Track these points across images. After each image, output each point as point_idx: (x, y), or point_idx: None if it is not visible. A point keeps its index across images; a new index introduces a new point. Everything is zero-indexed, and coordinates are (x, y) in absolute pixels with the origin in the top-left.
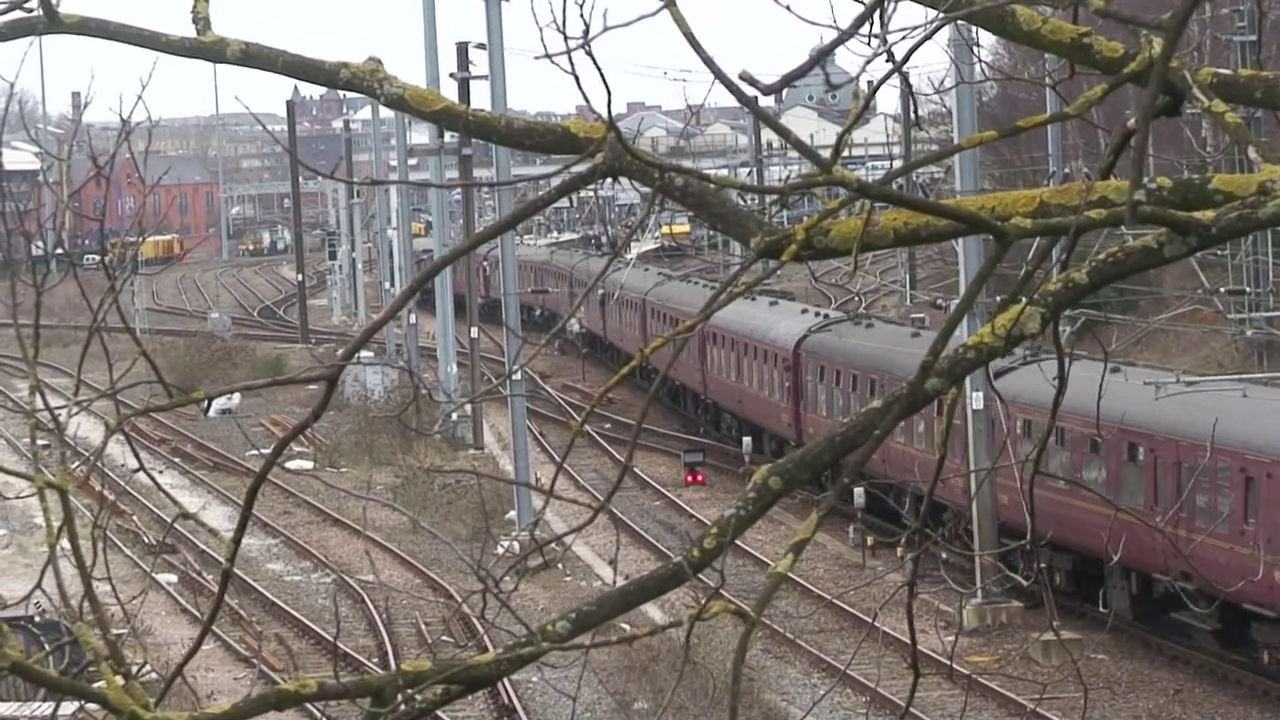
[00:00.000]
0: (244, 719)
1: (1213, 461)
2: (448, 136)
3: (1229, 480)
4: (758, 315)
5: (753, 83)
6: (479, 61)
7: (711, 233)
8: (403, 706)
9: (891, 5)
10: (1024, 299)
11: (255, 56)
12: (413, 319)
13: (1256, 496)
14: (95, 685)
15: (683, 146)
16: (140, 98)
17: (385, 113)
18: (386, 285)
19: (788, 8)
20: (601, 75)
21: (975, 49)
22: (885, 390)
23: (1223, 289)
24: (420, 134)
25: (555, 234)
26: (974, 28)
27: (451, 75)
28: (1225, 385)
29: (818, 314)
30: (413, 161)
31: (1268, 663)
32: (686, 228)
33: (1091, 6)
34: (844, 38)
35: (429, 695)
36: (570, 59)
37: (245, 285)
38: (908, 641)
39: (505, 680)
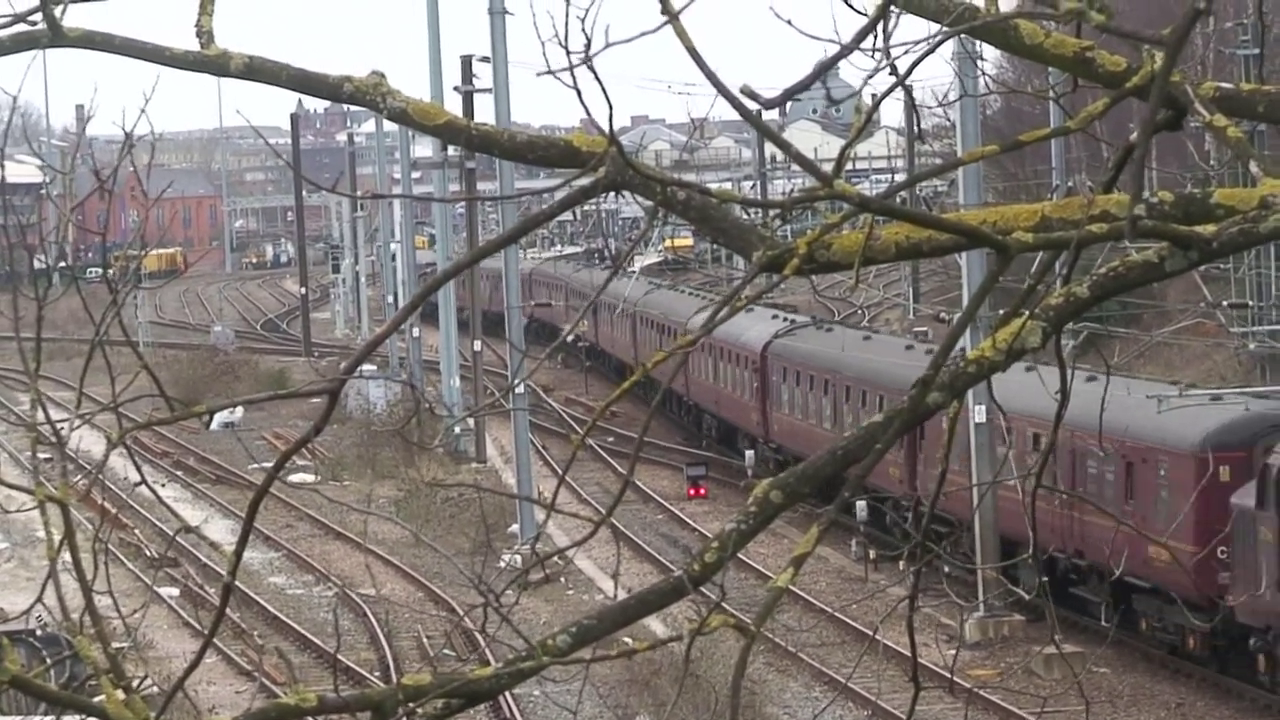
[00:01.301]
0: None
1: (1098, 449)
2: (451, 149)
3: (1113, 466)
4: (733, 320)
5: (754, 97)
6: (483, 75)
7: (714, 246)
8: None
9: (895, 19)
10: (1025, 313)
11: (259, 70)
12: (416, 332)
13: (1134, 481)
14: (96, 699)
15: (686, 160)
16: (144, 111)
17: (389, 126)
18: (389, 298)
19: (789, 22)
20: (603, 90)
21: (979, 62)
22: (836, 389)
23: (1225, 302)
24: (424, 147)
25: (558, 248)
26: (977, 41)
27: (455, 88)
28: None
29: (785, 319)
30: (416, 175)
31: (1144, 629)
32: (689, 241)
33: (1093, 21)
34: (846, 51)
35: (429, 709)
36: (573, 74)
37: (248, 299)
38: (909, 655)
39: (507, 694)
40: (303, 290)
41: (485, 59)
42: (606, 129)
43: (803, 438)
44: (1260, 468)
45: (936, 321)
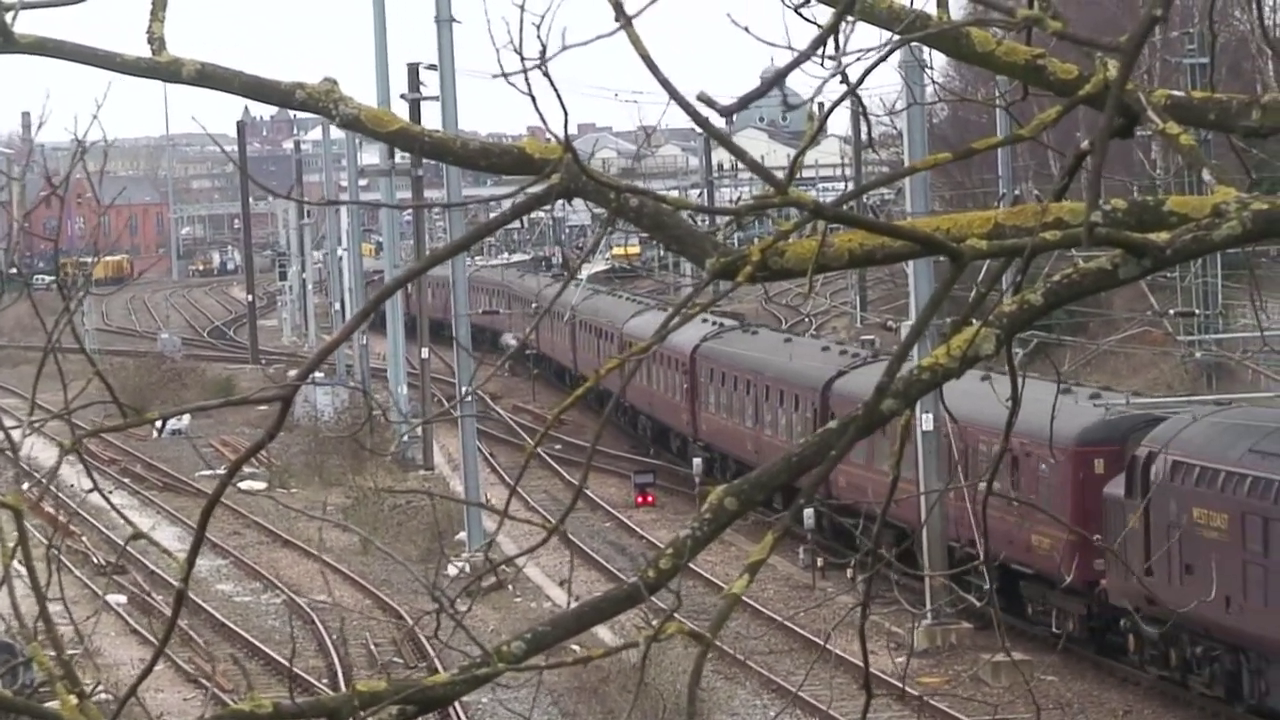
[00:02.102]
0: None
1: (972, 439)
2: (398, 157)
3: (1008, 460)
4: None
5: (710, 104)
6: (430, 82)
7: (663, 254)
8: None
9: (849, 27)
10: (976, 320)
11: (211, 77)
12: (363, 340)
13: (1020, 474)
14: (49, 705)
15: (634, 168)
16: (95, 117)
17: (336, 133)
18: (336, 306)
19: (746, 29)
20: (558, 96)
21: (928, 71)
22: (757, 389)
23: (1172, 311)
24: (371, 155)
25: (506, 255)
26: (926, 49)
27: (402, 96)
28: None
29: (714, 323)
30: (363, 182)
31: (1030, 614)
32: (637, 249)
33: (1049, 28)
34: (802, 59)
35: (384, 716)
36: (526, 79)
37: (195, 306)
38: (858, 663)
39: (457, 701)
40: (250, 297)
41: (432, 67)
42: (560, 135)
43: (728, 436)
44: (1129, 460)
45: (884, 330)
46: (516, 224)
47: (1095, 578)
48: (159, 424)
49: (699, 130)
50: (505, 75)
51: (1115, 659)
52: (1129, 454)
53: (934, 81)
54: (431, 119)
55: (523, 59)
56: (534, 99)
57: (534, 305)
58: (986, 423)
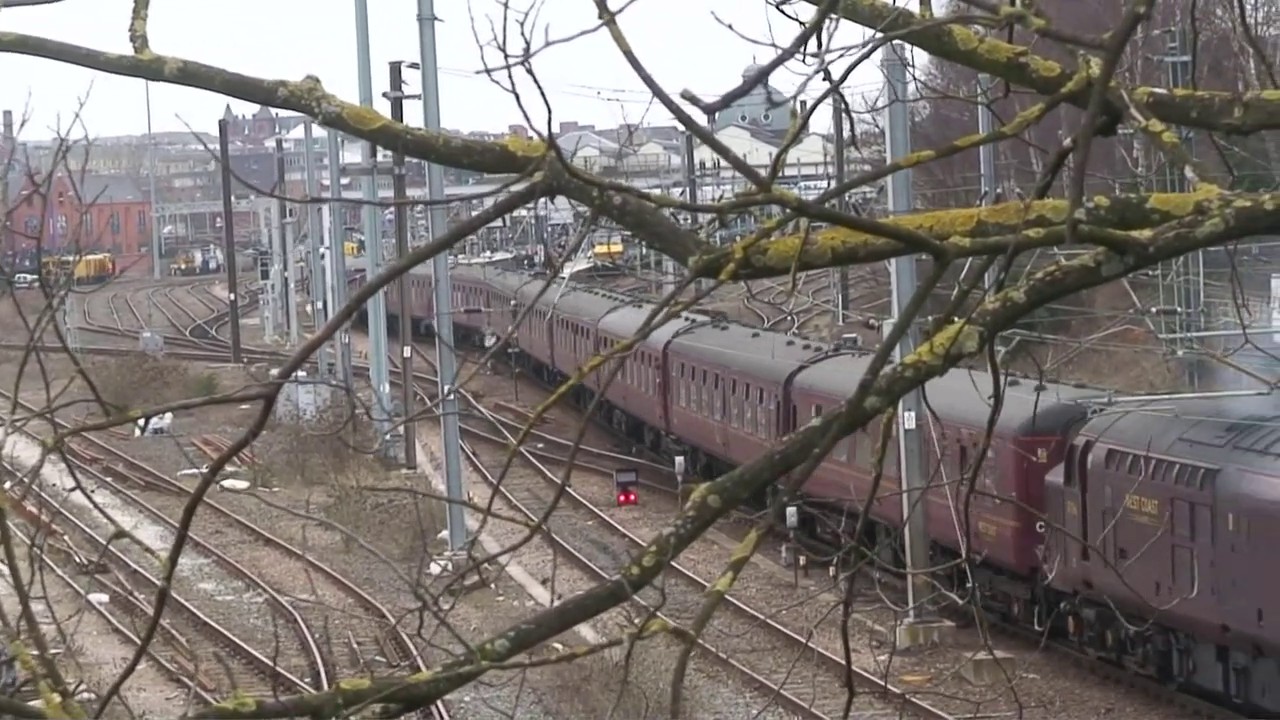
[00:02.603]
0: None
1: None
2: (380, 155)
3: (949, 450)
4: (639, 320)
5: (694, 101)
6: (412, 81)
7: (645, 252)
8: None
9: (833, 24)
10: (957, 318)
11: (193, 75)
12: (345, 338)
13: (966, 462)
14: (32, 704)
15: (616, 166)
16: (78, 116)
17: (318, 132)
18: (318, 304)
19: (730, 26)
20: (542, 93)
21: (910, 69)
22: (725, 383)
23: (1154, 309)
24: (353, 153)
25: (488, 254)
26: (909, 47)
27: (384, 95)
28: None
29: (687, 319)
30: (345, 181)
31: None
32: (619, 247)
33: (1032, 25)
34: (785, 56)
35: (368, 714)
36: (510, 76)
37: (177, 304)
38: (841, 661)
39: (438, 700)
40: (231, 296)
41: (414, 65)
42: (544, 132)
43: (698, 430)
44: (1068, 449)
45: (865, 328)
46: (498, 222)
47: (1038, 563)
48: (141, 422)
49: (681, 129)
50: (488, 72)
51: (1057, 640)
52: (1069, 443)
53: (916, 79)
54: (413, 117)
55: (506, 56)
56: (517, 96)
57: (513, 303)
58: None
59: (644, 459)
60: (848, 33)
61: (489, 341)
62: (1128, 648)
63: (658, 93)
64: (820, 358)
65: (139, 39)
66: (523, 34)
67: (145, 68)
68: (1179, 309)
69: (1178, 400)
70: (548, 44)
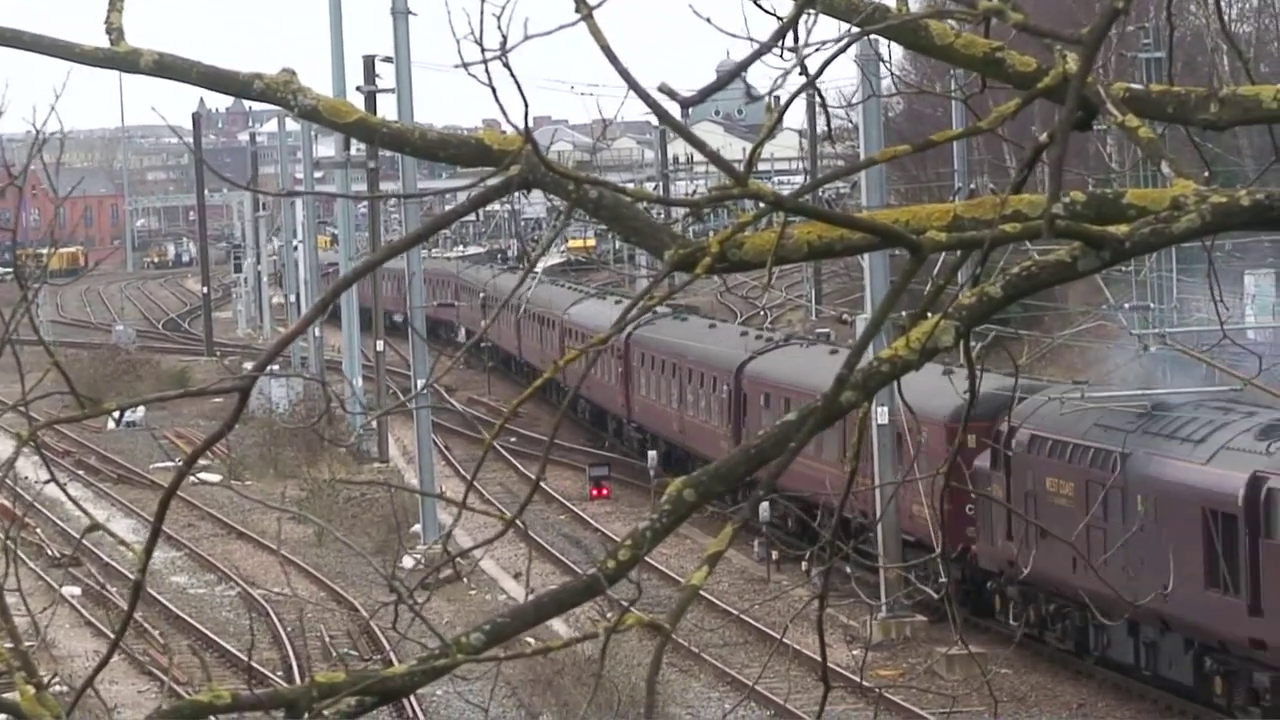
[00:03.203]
0: None
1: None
2: (354, 149)
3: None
4: (603, 312)
5: (671, 95)
6: (385, 75)
7: (618, 246)
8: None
9: (811, 19)
10: (931, 312)
11: (169, 67)
12: (318, 332)
13: (901, 448)
14: (6, 696)
15: (590, 161)
16: (54, 108)
17: (291, 125)
18: (291, 298)
19: (709, 20)
20: (519, 87)
21: (887, 64)
22: (681, 373)
23: (1127, 304)
24: (326, 147)
25: (461, 248)
26: (884, 42)
27: (358, 88)
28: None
29: (651, 312)
30: (319, 174)
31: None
32: (592, 241)
33: (1010, 20)
34: (764, 50)
35: (343, 707)
36: (487, 70)
37: (150, 298)
38: (813, 655)
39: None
40: (205, 290)
41: (388, 59)
42: (520, 126)
43: (657, 417)
44: (994, 434)
45: (839, 323)
46: (471, 216)
47: (967, 543)
48: (116, 415)
49: (655, 123)
50: (465, 66)
51: (984, 618)
52: (995, 429)
53: (893, 73)
54: (387, 111)
55: (483, 50)
56: (494, 90)
57: (483, 296)
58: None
59: (613, 451)
60: (823, 27)
61: (460, 336)
62: (1048, 624)
63: (635, 87)
64: (770, 348)
65: (115, 31)
66: (499, 28)
67: (121, 60)
68: (1152, 305)
69: (1095, 387)
70: (526, 38)
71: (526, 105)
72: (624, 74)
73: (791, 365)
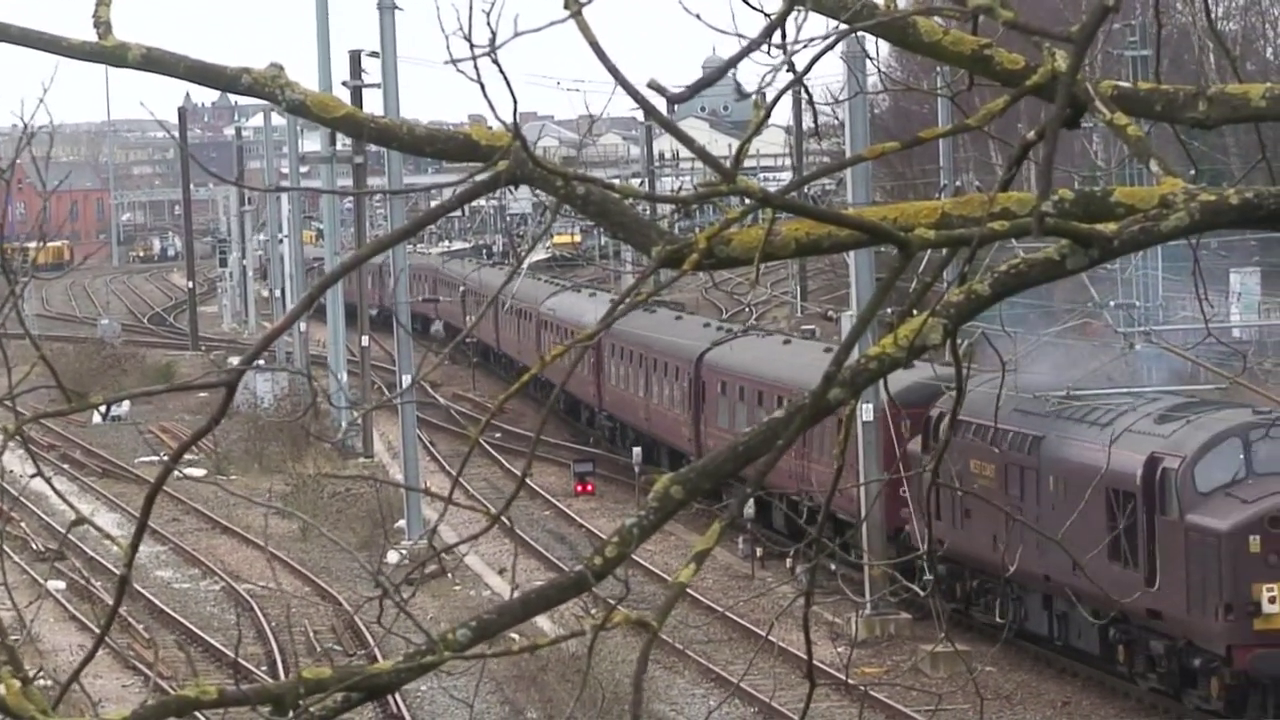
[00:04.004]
0: None
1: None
2: (340, 144)
3: (834, 422)
4: (577, 305)
5: (661, 91)
6: (371, 70)
7: (604, 242)
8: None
9: (801, 16)
10: (917, 310)
11: (156, 62)
12: (303, 326)
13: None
14: None
15: (575, 156)
16: (42, 101)
17: (277, 120)
18: (277, 293)
19: (698, 16)
20: (508, 83)
21: (874, 61)
22: (648, 363)
23: (1113, 303)
24: (312, 141)
25: (446, 243)
26: (871, 39)
27: (344, 83)
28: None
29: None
30: (304, 169)
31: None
32: (577, 237)
33: (1000, 18)
34: (753, 46)
35: (329, 703)
36: (476, 66)
37: (135, 292)
38: (797, 652)
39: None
40: (190, 284)
41: (374, 54)
42: (508, 122)
43: (626, 406)
44: (925, 419)
45: (824, 319)
46: (457, 211)
47: (901, 524)
48: (103, 409)
49: (641, 119)
50: (455, 62)
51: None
52: (926, 414)
53: (880, 70)
54: (373, 106)
55: (472, 46)
56: (483, 86)
57: (462, 290)
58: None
59: (588, 442)
60: (811, 24)
61: (434, 328)
62: (973, 599)
63: (624, 84)
64: (728, 338)
65: (102, 25)
66: (489, 24)
67: (109, 54)
68: (1137, 303)
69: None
70: (516, 35)
71: (515, 101)
72: (613, 71)
73: (747, 356)
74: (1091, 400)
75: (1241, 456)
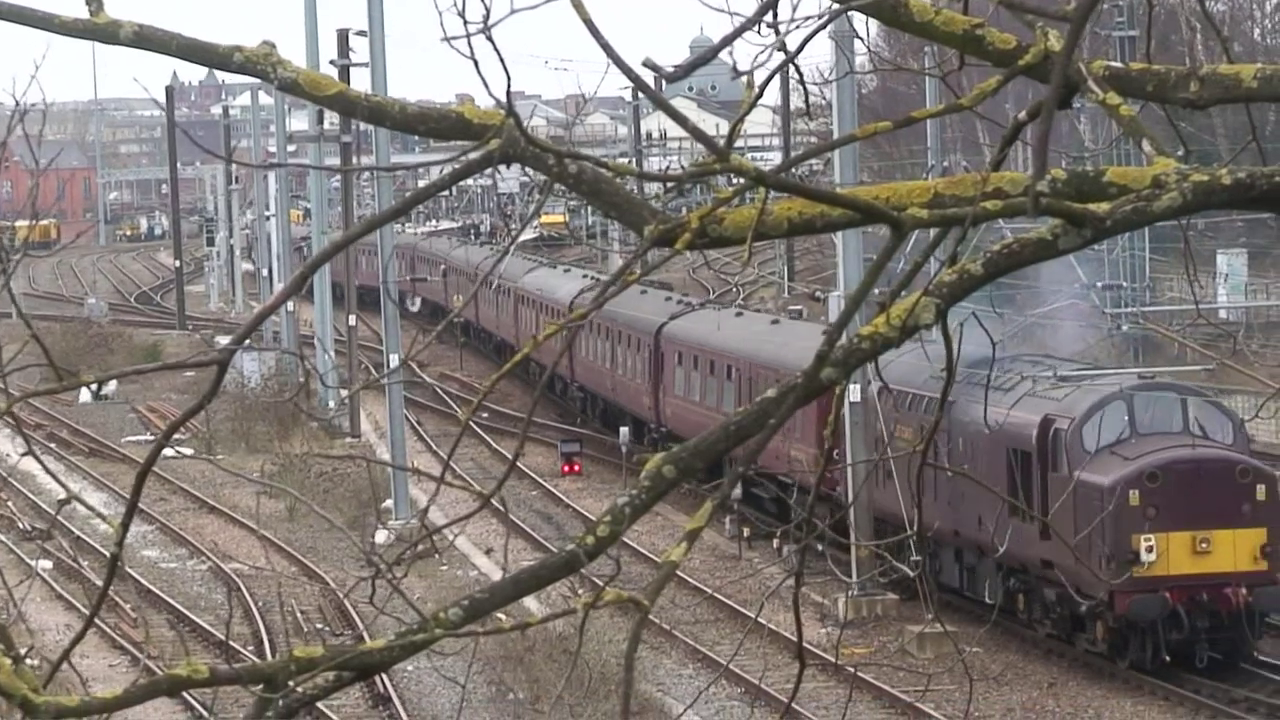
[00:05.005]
0: (136, 703)
1: (755, 373)
2: (327, 123)
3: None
4: (551, 280)
5: (656, 70)
6: (359, 49)
7: (592, 222)
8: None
9: None
10: (908, 290)
11: (148, 39)
12: (290, 306)
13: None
14: None
15: (565, 136)
16: (34, 79)
17: (265, 99)
18: (264, 272)
19: None
20: (502, 61)
21: (865, 40)
22: (613, 336)
23: (1099, 284)
24: (300, 120)
25: (433, 222)
26: (861, 19)
27: (332, 62)
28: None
29: (591, 277)
30: (292, 148)
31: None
32: (563, 217)
33: None
34: (747, 25)
35: (320, 681)
36: (469, 44)
37: (122, 271)
38: (784, 633)
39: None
40: (177, 263)
41: (362, 33)
42: (503, 100)
43: (595, 377)
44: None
45: (811, 300)
46: (446, 191)
47: (834, 485)
48: (94, 387)
49: (629, 99)
50: (449, 40)
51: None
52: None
53: (870, 50)
54: (360, 85)
55: (465, 23)
56: (476, 64)
57: (443, 268)
58: (766, 360)
59: (559, 414)
60: (804, 3)
61: (410, 305)
62: (894, 554)
63: (618, 62)
64: (686, 311)
65: (95, 2)
66: (483, 2)
67: (101, 31)
68: (1124, 284)
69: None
70: (513, 12)
71: (509, 79)
72: (606, 48)
73: (703, 327)
74: (1000, 366)
75: (1126, 418)
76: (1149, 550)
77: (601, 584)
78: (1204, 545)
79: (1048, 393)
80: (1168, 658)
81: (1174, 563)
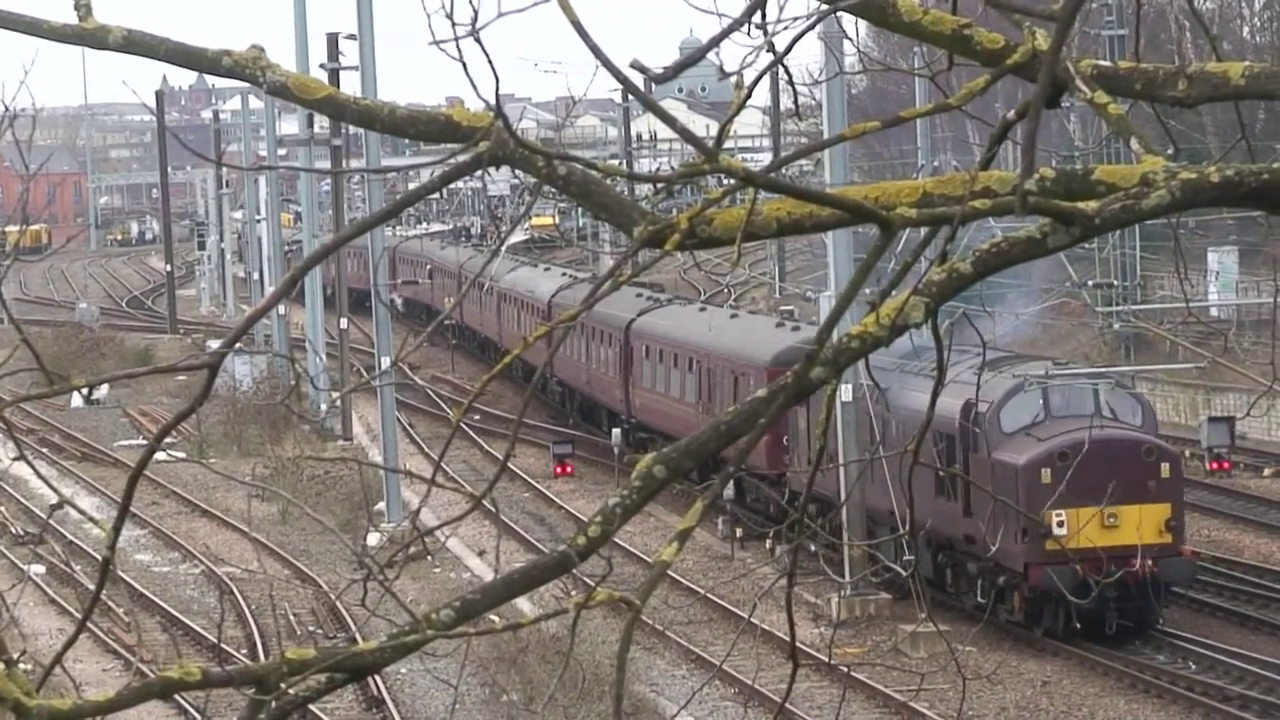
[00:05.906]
0: (129, 706)
1: (714, 364)
2: (317, 127)
3: (730, 379)
4: (533, 279)
5: (644, 71)
6: (349, 52)
7: (582, 223)
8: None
9: None
10: (897, 289)
11: (137, 44)
12: (282, 310)
13: (739, 390)
14: None
15: (553, 138)
16: (24, 84)
17: (255, 103)
18: (255, 275)
19: None
20: (490, 63)
21: (854, 41)
22: (587, 332)
23: (1090, 282)
24: (290, 124)
25: (424, 225)
26: (850, 20)
27: (321, 66)
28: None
29: (571, 276)
30: (282, 152)
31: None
32: (553, 219)
33: None
34: (735, 26)
35: (313, 683)
36: (458, 46)
37: (113, 275)
38: (777, 633)
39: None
40: (168, 267)
41: (352, 36)
42: (491, 102)
43: (571, 372)
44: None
45: (802, 300)
46: (436, 194)
47: (784, 469)
48: (85, 392)
49: (619, 101)
50: (438, 43)
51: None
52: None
53: (859, 50)
54: (350, 89)
55: (454, 25)
56: (465, 66)
57: (429, 269)
58: (723, 353)
59: (540, 409)
60: (791, 3)
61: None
62: (838, 535)
63: (606, 64)
64: (654, 307)
65: (83, 7)
66: (471, 3)
67: (89, 36)
68: (1115, 282)
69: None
70: (501, 14)
71: (498, 81)
72: (595, 50)
73: (669, 323)
74: (931, 354)
75: (1041, 402)
76: (1060, 525)
77: (593, 584)
78: (1112, 520)
79: (970, 379)
80: (1078, 625)
81: (1084, 536)
